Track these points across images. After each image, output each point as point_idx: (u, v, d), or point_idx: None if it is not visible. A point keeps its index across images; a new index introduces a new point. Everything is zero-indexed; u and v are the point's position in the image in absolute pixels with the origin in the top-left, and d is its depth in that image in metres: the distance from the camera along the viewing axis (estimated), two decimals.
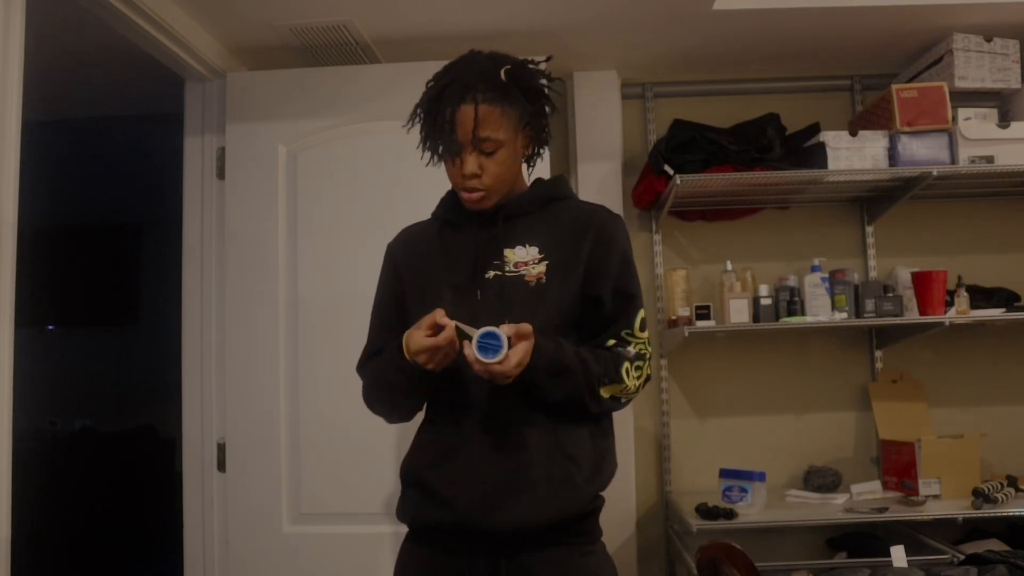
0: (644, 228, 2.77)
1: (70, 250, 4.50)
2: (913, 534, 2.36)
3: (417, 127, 1.46)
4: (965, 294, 2.42)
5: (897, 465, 2.49)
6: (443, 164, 1.46)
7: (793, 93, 2.78)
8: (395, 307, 1.53)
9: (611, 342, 1.45)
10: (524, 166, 1.54)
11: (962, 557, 2.12)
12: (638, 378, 1.45)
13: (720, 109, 2.71)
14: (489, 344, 1.26)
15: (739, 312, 2.43)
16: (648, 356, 1.48)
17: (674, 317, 2.52)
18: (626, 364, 1.43)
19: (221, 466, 2.34)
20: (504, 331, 1.26)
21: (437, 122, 1.41)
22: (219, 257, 2.40)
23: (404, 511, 1.48)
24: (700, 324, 2.42)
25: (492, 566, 1.38)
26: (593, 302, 1.46)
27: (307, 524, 2.28)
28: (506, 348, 1.26)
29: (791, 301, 2.45)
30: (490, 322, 1.32)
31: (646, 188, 2.58)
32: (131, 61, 2.33)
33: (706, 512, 2.24)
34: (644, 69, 2.72)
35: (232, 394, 2.33)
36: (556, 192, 1.55)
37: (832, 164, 2.39)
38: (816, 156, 2.41)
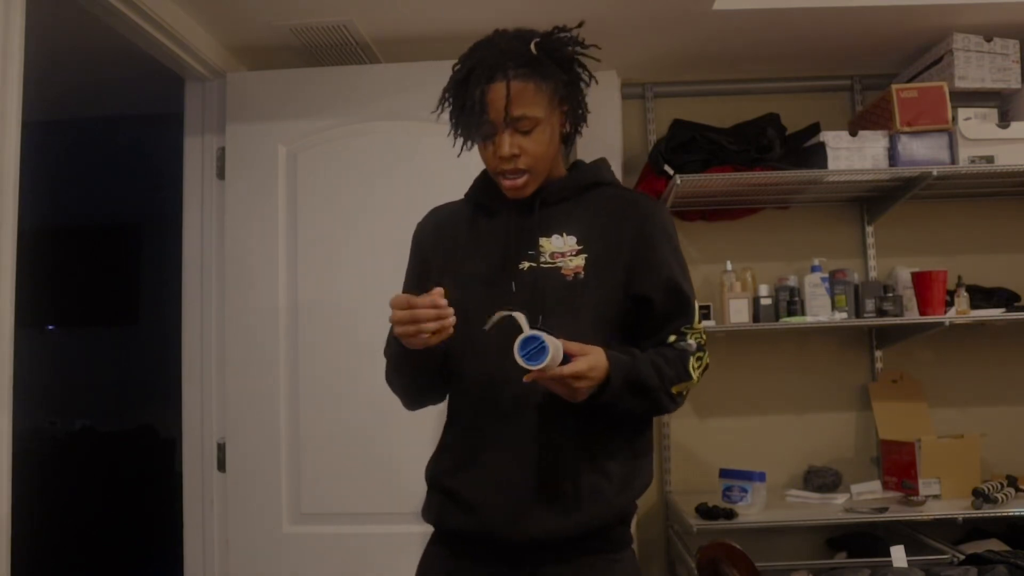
0: None
1: (70, 250, 4.49)
2: (913, 534, 2.36)
3: (445, 115, 1.38)
4: (965, 294, 2.42)
5: (897, 465, 2.49)
6: (476, 151, 1.38)
7: (793, 93, 2.78)
8: (419, 292, 1.43)
9: (672, 338, 1.38)
10: (561, 147, 1.45)
11: (962, 557, 2.12)
12: (699, 369, 1.39)
13: (720, 109, 2.71)
14: (532, 349, 1.15)
15: (739, 312, 2.42)
16: (706, 344, 1.42)
17: None
18: (691, 360, 1.37)
19: (221, 466, 2.34)
20: (556, 341, 1.15)
21: (467, 105, 1.32)
22: (219, 257, 2.40)
23: (429, 513, 1.43)
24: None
25: (515, 574, 1.33)
26: (643, 301, 1.38)
27: (307, 524, 2.28)
28: (550, 352, 1.14)
29: (791, 301, 2.45)
30: (537, 314, 1.26)
31: (646, 188, 2.58)
32: (131, 61, 2.33)
33: (706, 512, 2.24)
34: (644, 69, 2.72)
35: (232, 394, 2.33)
36: (597, 177, 1.46)
37: (832, 164, 2.39)
38: (816, 156, 2.41)
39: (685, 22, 2.34)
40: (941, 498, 2.36)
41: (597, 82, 1.46)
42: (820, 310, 2.42)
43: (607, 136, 2.71)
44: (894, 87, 2.41)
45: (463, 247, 1.43)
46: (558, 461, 1.32)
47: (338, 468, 2.26)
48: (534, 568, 1.32)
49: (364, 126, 2.34)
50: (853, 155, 2.40)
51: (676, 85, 2.79)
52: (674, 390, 1.36)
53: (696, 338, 1.40)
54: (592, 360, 1.22)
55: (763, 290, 2.48)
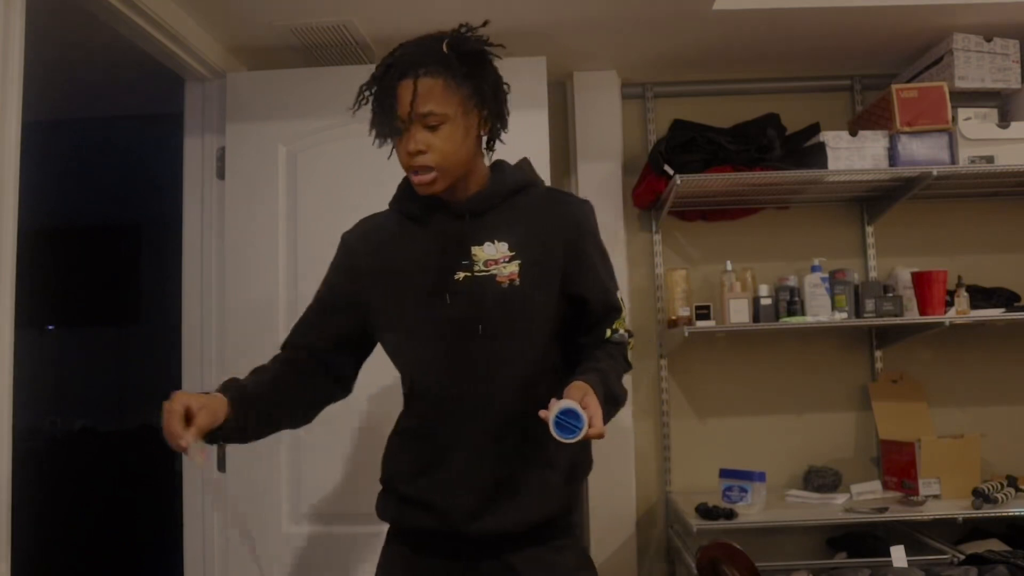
0: (644, 228, 2.77)
1: (70, 250, 4.49)
2: (913, 534, 2.36)
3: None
4: (965, 294, 2.42)
5: (897, 465, 2.49)
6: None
7: (793, 93, 2.78)
8: (343, 306, 1.48)
9: (608, 333, 1.44)
10: (485, 151, 1.47)
11: (962, 557, 2.11)
12: (630, 355, 1.49)
13: (720, 109, 2.71)
14: (567, 423, 1.13)
15: (739, 312, 2.42)
16: (630, 331, 1.49)
17: (674, 317, 2.52)
18: (627, 351, 1.46)
19: (221, 466, 2.34)
20: (576, 403, 1.16)
21: (382, 102, 1.37)
22: (219, 257, 2.40)
23: (385, 512, 1.49)
24: (700, 324, 2.42)
25: (474, 566, 1.40)
26: (579, 301, 1.43)
27: (307, 524, 2.28)
28: (586, 427, 1.14)
29: (791, 301, 2.45)
30: (463, 331, 1.31)
31: (646, 188, 2.58)
32: (131, 61, 2.32)
33: (706, 512, 2.24)
34: (644, 69, 2.72)
35: None
36: (524, 179, 1.48)
37: (832, 164, 2.39)
38: (816, 156, 2.41)
39: (685, 22, 2.34)
40: (941, 498, 2.36)
41: (509, 90, 1.46)
42: (820, 310, 2.42)
43: (607, 136, 2.72)
44: (894, 87, 2.41)
45: (396, 259, 1.45)
46: (512, 459, 1.39)
47: (338, 468, 2.26)
48: (491, 557, 1.39)
49: (364, 126, 2.31)
50: (853, 155, 2.40)
51: (676, 85, 2.79)
52: (623, 381, 1.43)
53: (624, 327, 1.46)
54: (597, 405, 1.22)
55: (763, 290, 2.48)
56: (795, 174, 2.41)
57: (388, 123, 1.36)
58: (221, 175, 2.42)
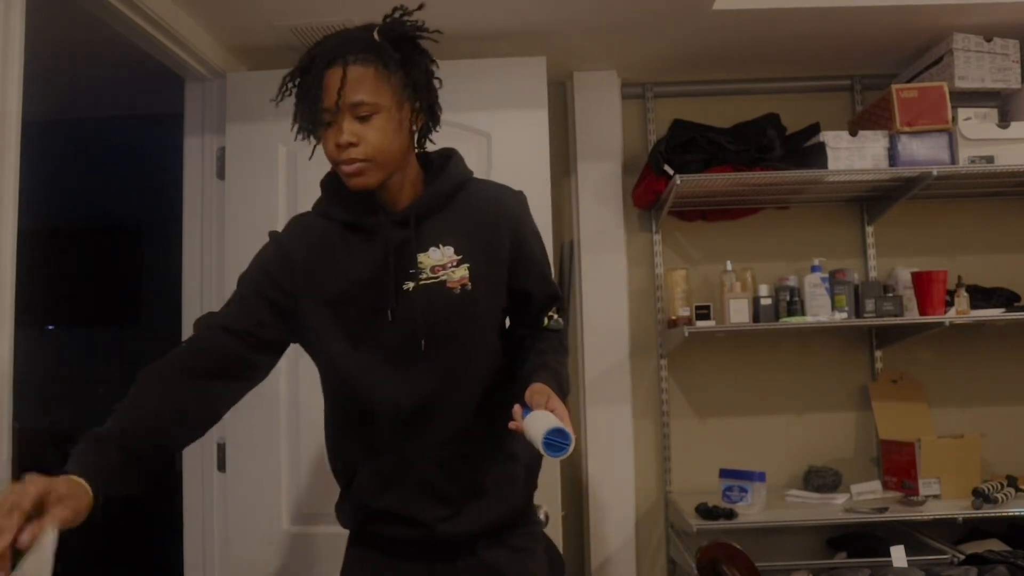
0: (644, 228, 2.77)
1: (70, 250, 4.49)
2: (913, 534, 2.36)
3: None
4: (965, 294, 2.42)
5: (897, 465, 2.49)
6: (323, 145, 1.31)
7: (793, 93, 2.78)
8: (271, 304, 1.34)
9: (546, 322, 1.44)
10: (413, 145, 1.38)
11: (962, 557, 2.12)
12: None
13: (720, 109, 2.71)
14: (556, 442, 1.11)
15: (739, 312, 2.42)
16: (565, 315, 1.49)
17: (674, 317, 2.52)
18: (564, 337, 1.46)
19: (221, 466, 2.34)
20: (561, 422, 1.12)
21: (307, 92, 1.28)
22: (219, 257, 2.40)
23: (350, 521, 1.48)
24: (700, 324, 2.42)
25: (449, 565, 1.40)
26: (523, 295, 1.41)
27: (307, 524, 2.28)
28: (572, 442, 1.11)
29: (791, 301, 2.45)
30: (420, 338, 1.28)
31: (646, 188, 2.58)
32: (131, 61, 2.32)
33: (706, 512, 2.24)
34: (644, 69, 2.72)
35: None
36: (458, 178, 1.39)
37: (832, 164, 2.39)
38: (816, 156, 2.41)
39: (685, 22, 2.34)
40: (941, 498, 2.36)
41: (438, 77, 1.37)
42: (820, 310, 2.42)
43: (607, 136, 2.72)
44: (894, 87, 2.41)
45: (339, 268, 1.34)
46: (476, 459, 1.39)
47: None
48: (466, 555, 1.39)
49: None
50: (853, 155, 2.40)
51: (676, 85, 2.79)
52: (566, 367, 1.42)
53: (560, 313, 1.45)
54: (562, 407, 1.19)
55: (763, 290, 2.48)
56: (795, 174, 2.41)
57: (314, 114, 1.28)
58: (221, 175, 2.42)
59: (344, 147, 1.26)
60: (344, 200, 1.35)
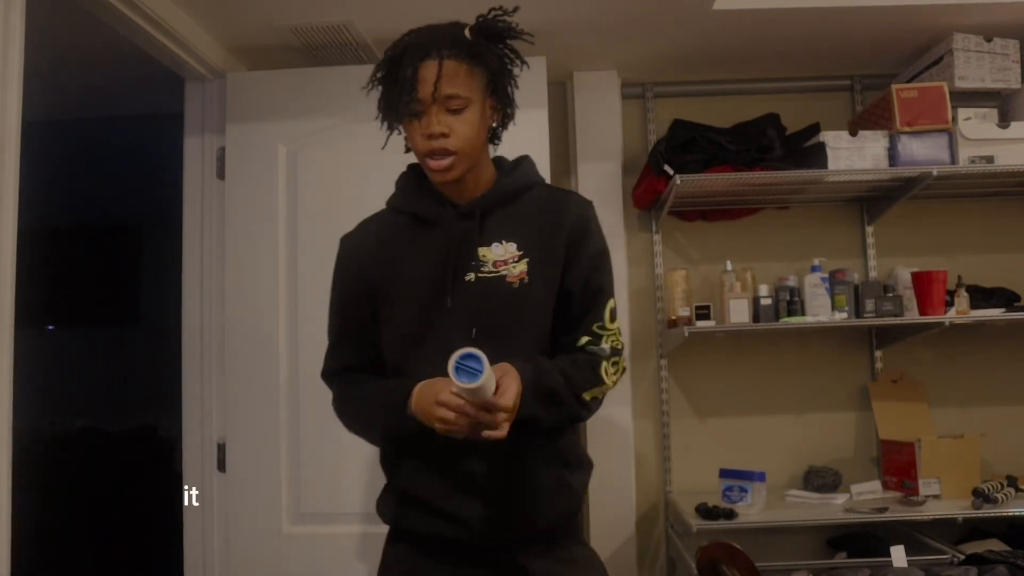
0: (644, 228, 2.76)
1: (70, 250, 4.49)
2: (913, 534, 2.36)
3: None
4: (965, 294, 2.42)
5: (897, 465, 2.49)
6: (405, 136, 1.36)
7: (793, 93, 2.78)
8: (366, 315, 1.43)
9: (584, 339, 1.39)
10: (487, 144, 1.44)
11: (962, 557, 2.11)
12: (615, 374, 1.41)
13: (720, 109, 2.71)
14: (468, 367, 1.12)
15: (739, 312, 2.42)
16: (622, 349, 1.43)
17: (674, 317, 2.52)
18: (604, 364, 1.38)
19: (221, 466, 2.34)
20: (476, 350, 1.15)
21: (398, 82, 1.30)
22: (219, 257, 2.40)
23: (388, 513, 1.45)
24: (700, 324, 2.42)
25: (491, 570, 1.37)
26: (566, 295, 1.40)
27: (307, 524, 2.28)
28: (487, 371, 1.12)
29: (791, 301, 2.45)
30: (472, 328, 1.28)
31: (646, 188, 2.58)
32: (131, 61, 2.32)
33: (706, 512, 2.24)
34: (644, 69, 2.72)
35: (232, 394, 2.33)
36: (528, 179, 1.45)
37: (832, 164, 2.39)
38: (816, 156, 2.41)
39: (685, 22, 2.34)
40: (941, 498, 2.36)
41: (528, 66, 1.43)
42: (820, 310, 2.42)
43: (607, 136, 2.72)
44: (894, 87, 2.41)
45: (405, 261, 1.40)
46: (528, 461, 1.36)
47: (338, 468, 2.26)
48: (505, 563, 1.37)
49: (364, 126, 2.30)
50: (853, 155, 2.40)
51: (676, 85, 2.79)
52: (586, 396, 1.36)
53: (611, 341, 1.40)
54: (515, 382, 1.22)
55: (763, 290, 2.48)
56: (795, 174, 2.41)
57: (406, 104, 1.30)
58: (221, 175, 2.42)
59: (436, 137, 1.30)
60: (414, 194, 1.44)
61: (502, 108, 1.39)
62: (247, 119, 2.38)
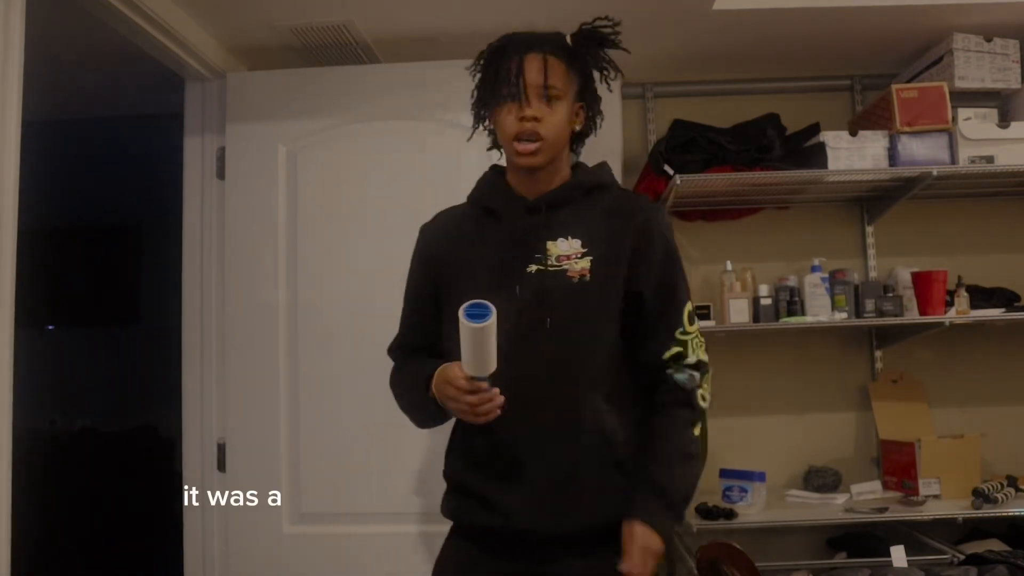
0: None
1: (70, 250, 4.49)
2: (913, 534, 2.36)
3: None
4: (965, 294, 2.42)
5: (897, 465, 2.49)
6: (494, 123, 1.44)
7: (793, 93, 2.78)
8: (428, 296, 1.50)
9: (669, 352, 1.41)
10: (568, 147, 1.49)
11: (962, 557, 2.12)
12: (709, 390, 1.44)
13: (720, 109, 2.71)
14: (475, 312, 1.22)
15: (739, 312, 2.43)
16: (707, 361, 1.44)
17: None
18: (700, 392, 1.42)
19: (221, 466, 2.34)
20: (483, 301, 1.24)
21: (500, 69, 1.39)
22: (219, 257, 2.40)
23: (447, 509, 1.48)
24: (700, 324, 2.42)
25: (535, 570, 1.37)
26: (635, 298, 1.41)
27: (307, 524, 2.28)
28: (493, 314, 1.21)
29: (791, 301, 2.45)
30: (530, 322, 1.33)
31: (646, 188, 2.58)
32: (131, 61, 2.32)
33: (706, 512, 2.24)
34: (644, 69, 2.72)
35: (232, 394, 2.33)
36: (600, 180, 1.50)
37: (832, 164, 2.39)
38: (816, 156, 2.41)
39: (685, 22, 2.34)
40: (941, 498, 2.36)
41: (611, 91, 1.51)
42: (820, 310, 2.42)
43: (607, 136, 2.67)
44: (894, 87, 2.41)
45: (472, 251, 1.46)
46: (580, 457, 1.36)
47: (338, 468, 2.26)
48: (555, 563, 1.36)
49: (364, 126, 2.34)
50: (853, 155, 2.40)
51: (676, 85, 2.79)
52: (694, 448, 1.40)
53: (695, 352, 1.43)
54: (644, 543, 1.30)
55: (763, 290, 2.48)
56: (795, 174, 2.41)
57: (508, 89, 1.38)
58: (221, 175, 2.42)
59: (529, 120, 1.37)
60: (489, 189, 1.51)
61: (590, 114, 1.48)
62: (247, 119, 2.38)
